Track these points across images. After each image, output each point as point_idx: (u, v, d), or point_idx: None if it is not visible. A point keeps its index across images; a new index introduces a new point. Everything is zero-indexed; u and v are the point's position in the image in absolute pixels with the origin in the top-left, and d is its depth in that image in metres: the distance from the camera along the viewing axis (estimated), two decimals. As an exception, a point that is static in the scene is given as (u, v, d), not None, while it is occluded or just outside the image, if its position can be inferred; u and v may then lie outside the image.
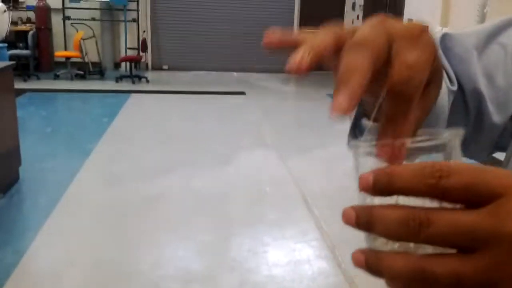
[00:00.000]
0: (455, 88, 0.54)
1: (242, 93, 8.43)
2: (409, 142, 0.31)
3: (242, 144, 5.49)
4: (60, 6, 9.80)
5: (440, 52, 0.54)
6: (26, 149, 4.27)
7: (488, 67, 0.56)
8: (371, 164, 0.30)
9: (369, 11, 10.11)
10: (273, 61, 10.84)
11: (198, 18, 10.49)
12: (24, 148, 4.16)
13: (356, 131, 0.54)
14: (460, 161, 0.32)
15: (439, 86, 0.39)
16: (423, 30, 0.32)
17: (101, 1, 9.81)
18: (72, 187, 3.98)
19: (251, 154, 5.12)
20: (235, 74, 10.45)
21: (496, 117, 0.55)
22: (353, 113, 0.52)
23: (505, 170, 0.28)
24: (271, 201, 3.96)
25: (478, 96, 0.55)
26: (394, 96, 0.31)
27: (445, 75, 0.53)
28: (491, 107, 0.55)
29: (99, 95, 8.03)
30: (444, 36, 0.56)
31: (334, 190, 3.91)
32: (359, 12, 10.45)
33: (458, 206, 0.27)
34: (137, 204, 3.74)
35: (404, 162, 0.30)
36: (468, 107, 0.56)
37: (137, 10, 10.05)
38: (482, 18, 5.80)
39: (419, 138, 0.31)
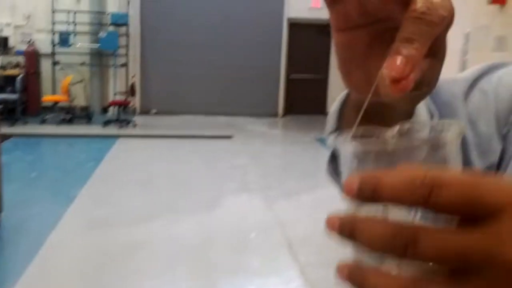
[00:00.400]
0: None
1: (229, 137, 8.48)
2: (403, 127, 0.31)
3: (228, 188, 5.47)
4: (50, 51, 9.92)
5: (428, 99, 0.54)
6: (9, 195, 4.22)
7: (471, 113, 0.56)
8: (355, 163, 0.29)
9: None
10: (260, 105, 10.98)
11: (186, 63, 10.65)
12: (7, 193, 4.12)
13: (332, 167, 0.56)
14: (458, 165, 0.30)
15: (441, 64, 0.40)
16: None
17: (91, 46, 9.96)
18: (54, 234, 3.92)
19: (237, 199, 5.11)
20: (222, 118, 10.54)
21: (478, 163, 0.54)
22: (331, 146, 0.53)
23: (506, 181, 0.26)
24: (255, 248, 3.92)
25: (463, 142, 0.54)
26: (414, 20, 0.32)
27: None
28: (474, 154, 0.54)
29: (86, 140, 8.03)
30: None
31: (320, 236, 3.89)
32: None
33: (452, 219, 0.25)
34: (119, 251, 3.68)
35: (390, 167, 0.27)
36: None
37: (127, 55, 10.20)
38: (463, 65, 5.97)
39: (410, 126, 0.31)
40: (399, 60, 0.31)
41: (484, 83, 0.58)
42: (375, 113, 0.39)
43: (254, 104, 10.97)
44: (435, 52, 0.37)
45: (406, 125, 0.32)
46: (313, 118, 11.02)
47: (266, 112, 11.01)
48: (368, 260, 0.27)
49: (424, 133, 0.32)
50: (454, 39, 6.39)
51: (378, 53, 0.38)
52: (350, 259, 0.28)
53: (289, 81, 11.12)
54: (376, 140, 0.31)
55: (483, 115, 0.56)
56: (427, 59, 0.35)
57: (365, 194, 0.26)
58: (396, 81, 0.31)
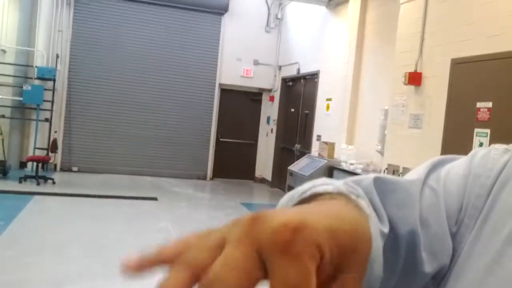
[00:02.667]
0: (386, 230, 0.49)
1: (154, 198, 8.26)
2: None
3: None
4: (-33, 101, 9.40)
5: (375, 196, 0.51)
6: None
7: (423, 212, 0.53)
8: None
9: (282, 125, 10.66)
10: (189, 167, 10.90)
11: (113, 121, 10.46)
12: None
13: None
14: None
15: (362, 266, 0.35)
16: (295, 229, 0.29)
17: (14, 99, 9.55)
18: None
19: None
20: (148, 178, 10.31)
21: (428, 266, 0.52)
22: None
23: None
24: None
25: (414, 243, 0.51)
26: None
27: (375, 217, 0.48)
28: (424, 255, 0.52)
29: (-2, 196, 7.49)
30: (378, 180, 0.52)
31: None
32: (273, 126, 10.98)
33: None
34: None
35: None
36: (400, 253, 0.51)
37: (51, 110, 9.86)
38: (383, 138, 6.30)
39: None
40: None
41: (432, 180, 0.57)
42: None
43: (182, 165, 10.87)
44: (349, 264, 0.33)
45: None
46: (241, 182, 11.06)
47: (194, 174, 10.93)
48: None
49: None
50: (374, 114, 6.79)
51: None
52: None
53: (219, 145, 11.19)
54: None
55: (434, 214, 0.54)
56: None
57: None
58: None
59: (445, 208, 0.54)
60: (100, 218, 6.67)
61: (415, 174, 0.57)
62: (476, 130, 4.61)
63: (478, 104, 4.59)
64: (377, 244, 0.41)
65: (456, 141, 4.86)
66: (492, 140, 4.31)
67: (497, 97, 4.41)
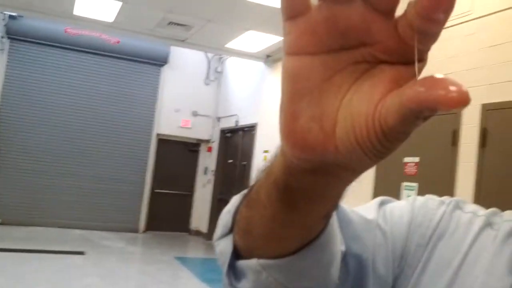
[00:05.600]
0: (343, 249, 0.50)
1: (81, 253, 7.82)
2: None
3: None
4: None
5: (334, 221, 0.49)
6: None
7: (373, 252, 0.53)
8: None
9: (219, 176, 10.58)
10: (120, 219, 10.48)
11: (44, 171, 9.98)
12: None
13: (231, 274, 0.46)
14: None
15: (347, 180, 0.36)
16: None
17: None
18: None
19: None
20: (78, 231, 9.80)
21: None
22: (228, 253, 0.46)
23: None
24: None
25: (362, 278, 0.52)
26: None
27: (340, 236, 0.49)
28: None
29: None
30: (338, 207, 0.52)
31: None
32: (210, 176, 10.88)
33: None
34: None
35: None
36: (348, 281, 0.51)
37: (-26, 158, 9.30)
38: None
39: None
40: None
41: (381, 220, 0.57)
42: (301, 194, 0.35)
43: (113, 217, 10.44)
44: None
45: None
46: (175, 235, 10.75)
47: (126, 227, 10.50)
48: None
49: None
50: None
51: (339, 89, 0.30)
52: None
53: (153, 196, 10.89)
54: None
55: (381, 255, 0.54)
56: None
57: None
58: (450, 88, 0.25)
59: (391, 249, 0.55)
60: (22, 275, 6.19)
61: (367, 212, 0.58)
62: (404, 183, 4.75)
63: (406, 159, 4.75)
64: (337, 254, 0.45)
65: (385, 193, 4.97)
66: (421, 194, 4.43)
67: (424, 152, 4.59)
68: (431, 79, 0.26)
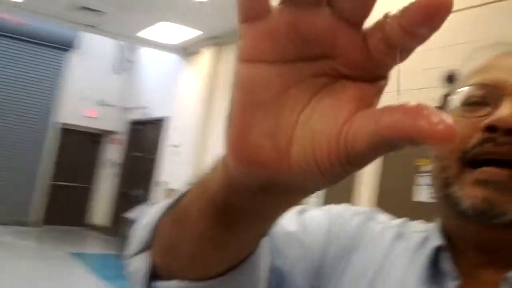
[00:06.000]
0: (268, 263, 0.49)
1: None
2: None
3: None
4: None
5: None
6: None
7: (293, 263, 0.53)
8: None
9: (125, 169, 10.19)
10: (9, 211, 9.64)
11: None
12: None
13: None
14: None
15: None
16: None
17: None
18: None
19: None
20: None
21: None
22: (143, 273, 0.43)
23: None
24: None
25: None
26: None
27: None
28: None
29: None
30: None
31: None
32: (115, 169, 10.44)
33: None
34: None
35: None
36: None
37: None
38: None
39: None
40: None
41: (300, 231, 0.56)
42: (242, 213, 0.33)
43: (2, 209, 9.58)
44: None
45: None
46: (71, 229, 10.16)
47: (16, 220, 9.69)
48: None
49: None
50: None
51: (296, 104, 0.27)
52: None
53: (52, 188, 10.18)
54: None
55: (300, 267, 0.53)
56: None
57: None
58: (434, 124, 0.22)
59: (310, 263, 0.55)
60: None
61: (288, 222, 0.56)
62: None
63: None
64: (265, 269, 0.44)
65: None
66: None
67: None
68: (414, 107, 0.22)
